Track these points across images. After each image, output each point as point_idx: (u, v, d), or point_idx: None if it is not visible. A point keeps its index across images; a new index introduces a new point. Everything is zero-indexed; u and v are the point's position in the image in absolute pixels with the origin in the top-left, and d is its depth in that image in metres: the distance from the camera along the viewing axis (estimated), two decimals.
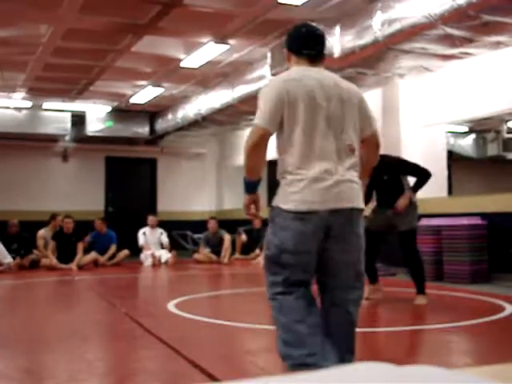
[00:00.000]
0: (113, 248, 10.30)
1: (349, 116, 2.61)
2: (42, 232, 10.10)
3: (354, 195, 2.57)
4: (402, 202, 5.25)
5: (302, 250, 2.51)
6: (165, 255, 10.56)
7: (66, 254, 9.59)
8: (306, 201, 2.49)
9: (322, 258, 2.57)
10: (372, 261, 5.51)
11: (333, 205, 2.50)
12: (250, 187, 2.65)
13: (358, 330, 3.92)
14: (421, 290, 5.28)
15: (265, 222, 10.90)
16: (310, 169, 2.51)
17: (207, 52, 8.15)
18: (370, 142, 2.75)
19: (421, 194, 8.45)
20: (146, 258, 10.48)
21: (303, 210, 2.48)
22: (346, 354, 2.55)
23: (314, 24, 3.16)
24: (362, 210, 2.62)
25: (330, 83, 2.61)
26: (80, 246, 9.73)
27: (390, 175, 5.33)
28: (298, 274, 2.54)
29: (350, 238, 2.57)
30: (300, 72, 2.65)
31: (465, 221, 7.16)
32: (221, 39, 7.74)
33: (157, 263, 10.34)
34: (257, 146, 2.52)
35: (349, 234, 2.56)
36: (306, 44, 2.70)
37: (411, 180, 5.43)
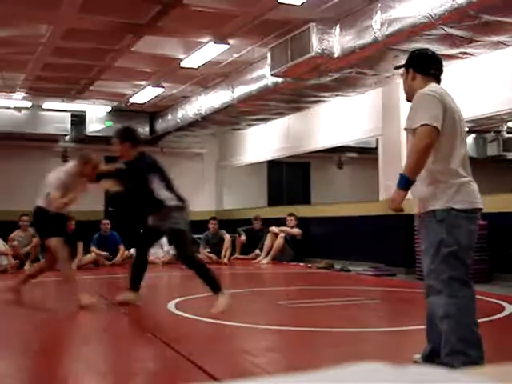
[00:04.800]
0: (122, 248, 10.25)
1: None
2: (13, 234, 9.74)
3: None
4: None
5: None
6: (161, 253, 10.64)
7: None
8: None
9: None
10: (144, 256, 5.37)
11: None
12: (409, 185, 2.80)
13: (358, 330, 3.95)
14: (216, 289, 4.87)
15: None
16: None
17: (207, 52, 8.14)
18: None
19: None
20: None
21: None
22: None
23: None
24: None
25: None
26: (80, 246, 9.71)
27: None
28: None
29: None
30: (441, 88, 2.97)
31: None
32: (221, 39, 7.73)
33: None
34: (430, 147, 2.75)
35: None
36: (432, 65, 3.08)
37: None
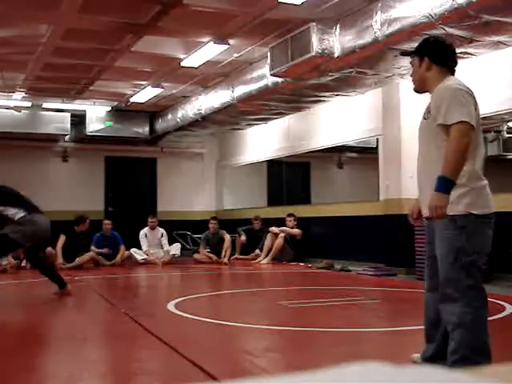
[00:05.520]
0: (122, 249, 10.28)
1: None
2: None
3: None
4: None
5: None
6: (161, 254, 10.68)
7: (71, 251, 9.58)
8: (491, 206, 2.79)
9: None
10: None
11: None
12: (451, 187, 2.62)
13: (358, 330, 3.93)
14: None
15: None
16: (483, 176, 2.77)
17: (207, 52, 8.14)
18: None
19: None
20: (139, 254, 10.59)
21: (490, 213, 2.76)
22: None
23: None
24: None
25: None
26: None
27: None
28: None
29: None
30: (463, 82, 2.79)
31: None
32: (221, 39, 7.73)
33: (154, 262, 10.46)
34: (469, 146, 2.60)
35: None
36: (451, 57, 2.89)
37: None
